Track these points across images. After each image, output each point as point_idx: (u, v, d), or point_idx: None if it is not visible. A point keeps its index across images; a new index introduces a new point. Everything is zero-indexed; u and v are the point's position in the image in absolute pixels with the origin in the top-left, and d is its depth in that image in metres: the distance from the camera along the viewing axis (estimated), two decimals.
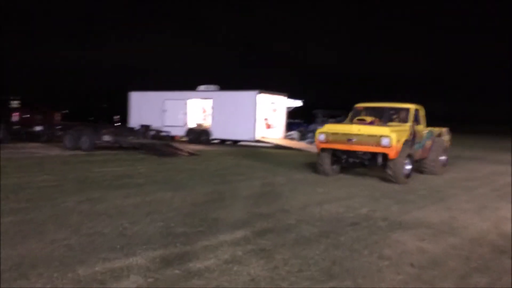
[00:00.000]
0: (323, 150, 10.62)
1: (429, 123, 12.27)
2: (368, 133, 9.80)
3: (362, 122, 10.62)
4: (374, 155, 10.09)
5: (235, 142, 22.40)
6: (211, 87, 22.71)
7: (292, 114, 24.97)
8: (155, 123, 20.92)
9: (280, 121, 22.37)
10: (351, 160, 10.53)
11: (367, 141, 9.78)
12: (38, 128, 17.20)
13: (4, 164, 10.70)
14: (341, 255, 4.68)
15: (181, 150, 15.55)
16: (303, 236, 5.35)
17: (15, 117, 17.70)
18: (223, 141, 22.45)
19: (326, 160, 10.63)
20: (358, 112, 11.68)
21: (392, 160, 9.73)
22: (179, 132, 22.39)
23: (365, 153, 10.16)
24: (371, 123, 10.46)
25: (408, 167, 10.26)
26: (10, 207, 6.26)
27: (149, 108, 23.40)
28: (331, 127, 10.72)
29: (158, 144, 16.04)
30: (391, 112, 11.44)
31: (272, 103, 22.23)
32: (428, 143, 11.74)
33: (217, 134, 21.62)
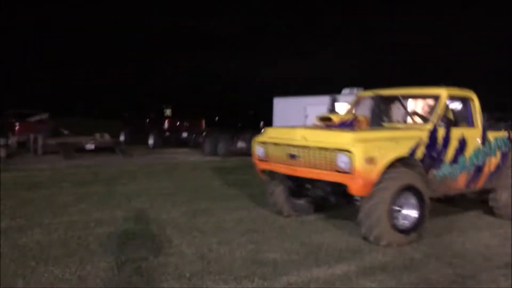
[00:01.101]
0: (268, 173, 6.18)
1: None
2: (318, 144, 5.15)
3: (324, 123, 6.10)
4: (336, 186, 5.26)
5: None
6: (355, 90, 21.32)
7: None
8: None
9: None
10: (312, 191, 5.90)
11: (316, 159, 5.16)
12: (184, 135, 18.14)
13: (136, 169, 11.20)
14: None
15: None
16: (427, 279, 3.97)
17: (166, 124, 18.98)
18: None
19: (277, 190, 6.19)
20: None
21: (362, 198, 5.04)
22: None
23: (320, 181, 5.46)
24: (343, 125, 5.82)
25: (408, 213, 5.21)
26: (118, 215, 6.19)
27: (292, 114, 22.96)
28: (273, 133, 6.12)
29: None
30: (412, 102, 6.65)
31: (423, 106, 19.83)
32: (494, 161, 6.26)
33: None
